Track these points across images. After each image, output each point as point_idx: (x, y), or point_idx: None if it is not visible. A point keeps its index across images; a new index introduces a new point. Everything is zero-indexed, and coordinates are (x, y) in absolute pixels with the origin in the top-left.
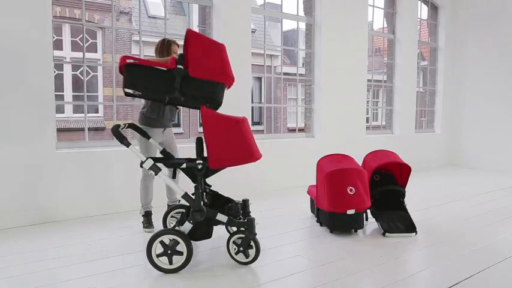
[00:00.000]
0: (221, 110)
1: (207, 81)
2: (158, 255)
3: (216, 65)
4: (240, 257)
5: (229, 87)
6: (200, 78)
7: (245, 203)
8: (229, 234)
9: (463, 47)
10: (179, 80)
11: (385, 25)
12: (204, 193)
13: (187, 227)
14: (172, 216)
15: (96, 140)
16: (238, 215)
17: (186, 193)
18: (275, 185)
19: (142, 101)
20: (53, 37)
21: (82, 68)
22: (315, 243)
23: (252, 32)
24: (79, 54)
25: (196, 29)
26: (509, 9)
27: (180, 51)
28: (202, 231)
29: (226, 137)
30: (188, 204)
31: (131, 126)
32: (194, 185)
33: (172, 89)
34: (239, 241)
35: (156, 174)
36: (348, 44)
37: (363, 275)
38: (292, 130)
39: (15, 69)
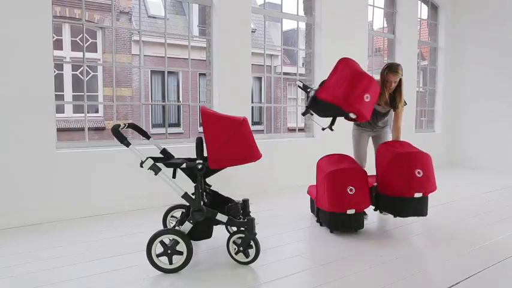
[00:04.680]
0: (221, 110)
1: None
2: (158, 255)
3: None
4: (240, 257)
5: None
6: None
7: (245, 202)
8: (229, 234)
9: (463, 46)
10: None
11: (385, 25)
12: (204, 193)
13: (187, 226)
14: (172, 216)
15: (96, 140)
16: (238, 214)
17: (186, 193)
18: (275, 185)
19: None
20: (53, 37)
21: (82, 67)
22: (315, 243)
23: (252, 32)
24: (79, 54)
25: (196, 28)
26: (510, 9)
27: (395, 80)
28: (202, 231)
29: (226, 137)
30: (188, 204)
31: (131, 126)
32: (194, 184)
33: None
34: (239, 241)
35: (156, 174)
36: (348, 44)
37: (363, 275)
38: (292, 130)
39: (15, 69)
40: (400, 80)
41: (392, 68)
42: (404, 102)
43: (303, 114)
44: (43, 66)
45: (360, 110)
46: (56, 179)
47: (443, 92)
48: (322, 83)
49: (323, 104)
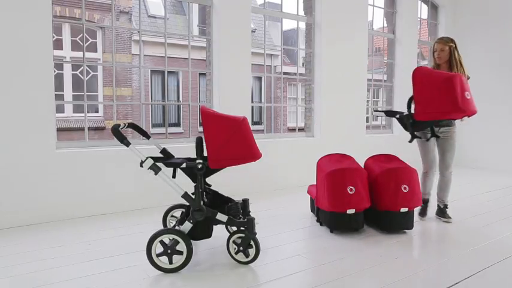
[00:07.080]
0: (221, 110)
1: None
2: (158, 255)
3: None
4: (240, 257)
5: None
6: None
7: (245, 202)
8: (229, 234)
9: (463, 46)
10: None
11: (385, 25)
12: (204, 193)
13: (187, 226)
14: (172, 216)
15: (96, 139)
16: (238, 214)
17: (186, 193)
18: (275, 185)
19: None
20: (53, 37)
21: (82, 67)
22: (315, 243)
23: (252, 31)
24: (79, 54)
25: (196, 28)
26: (510, 9)
27: (441, 47)
28: (202, 231)
29: (226, 136)
30: (188, 204)
31: (131, 125)
32: (194, 184)
33: None
34: (239, 241)
35: (156, 174)
36: (348, 43)
37: (363, 275)
38: (292, 130)
39: (15, 69)
40: (451, 49)
41: (440, 38)
42: (467, 76)
43: (410, 141)
44: (43, 66)
45: (470, 109)
46: (56, 178)
47: None
48: (410, 102)
49: (426, 123)
